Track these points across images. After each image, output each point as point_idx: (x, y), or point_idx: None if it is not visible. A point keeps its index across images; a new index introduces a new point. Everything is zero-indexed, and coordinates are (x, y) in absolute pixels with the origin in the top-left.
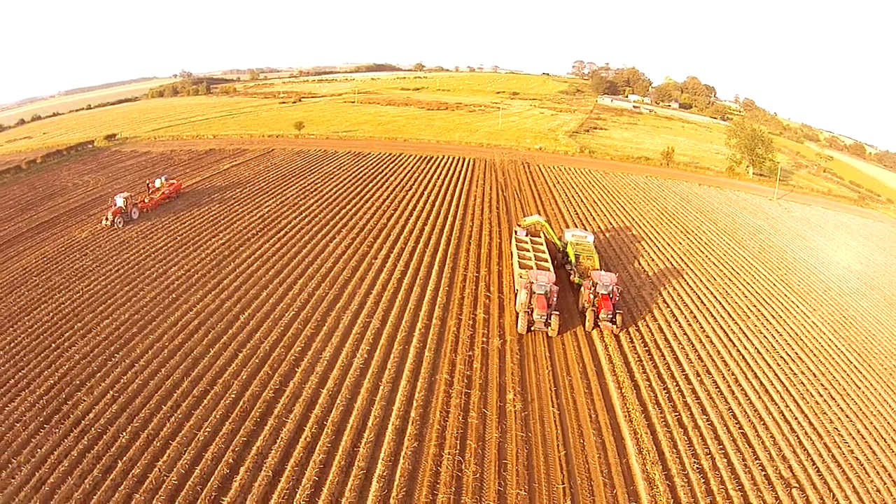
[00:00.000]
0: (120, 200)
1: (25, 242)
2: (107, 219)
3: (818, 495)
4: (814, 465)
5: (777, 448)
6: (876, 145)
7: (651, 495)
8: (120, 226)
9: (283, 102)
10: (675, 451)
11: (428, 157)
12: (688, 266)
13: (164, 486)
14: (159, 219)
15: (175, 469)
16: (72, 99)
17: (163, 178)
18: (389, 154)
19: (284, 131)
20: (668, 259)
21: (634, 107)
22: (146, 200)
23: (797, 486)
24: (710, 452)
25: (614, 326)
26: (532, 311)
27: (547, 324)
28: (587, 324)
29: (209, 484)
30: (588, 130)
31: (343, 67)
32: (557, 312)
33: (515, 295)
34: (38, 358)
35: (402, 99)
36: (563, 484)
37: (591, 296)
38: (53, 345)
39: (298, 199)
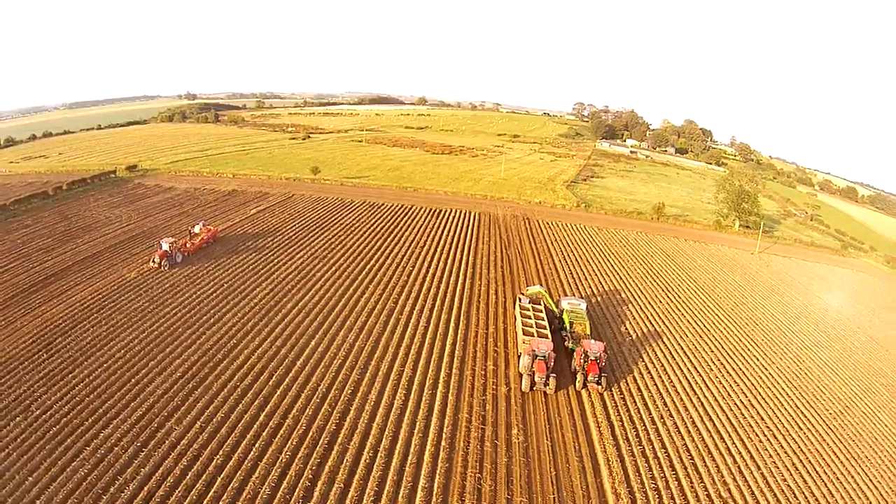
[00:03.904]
0: (165, 245)
1: (74, 276)
2: (154, 261)
3: None
4: (749, 488)
5: (720, 475)
6: (872, 184)
7: None
8: (166, 268)
9: (293, 138)
10: (637, 474)
11: (437, 210)
12: (665, 324)
13: (259, 495)
14: (202, 264)
15: (266, 482)
16: (78, 113)
17: (201, 224)
18: (402, 206)
19: (300, 174)
20: (648, 318)
21: (631, 152)
22: (188, 245)
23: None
24: (664, 476)
25: (600, 387)
26: (534, 374)
27: (546, 384)
28: (577, 384)
29: (296, 493)
30: (585, 179)
31: (345, 97)
32: (555, 374)
33: (519, 358)
34: (122, 391)
35: (407, 140)
36: (554, 495)
37: (582, 360)
38: (133, 380)
39: (326, 251)
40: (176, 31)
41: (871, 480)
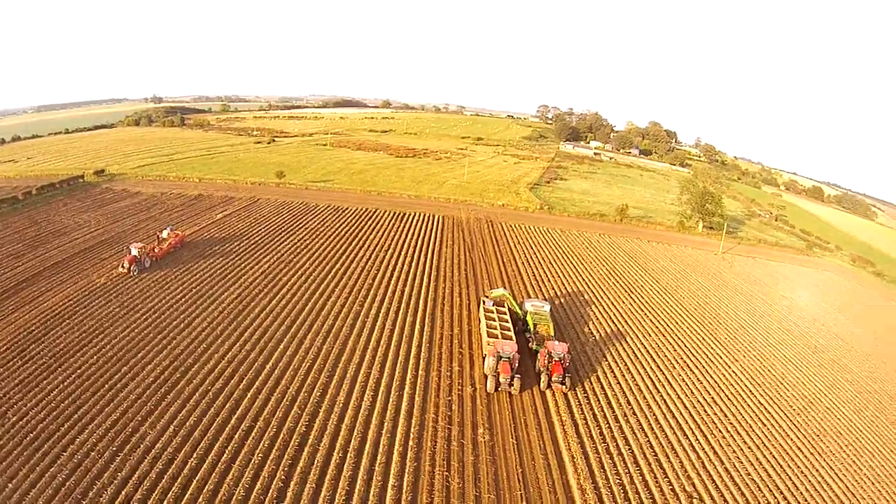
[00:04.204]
0: (135, 250)
1: (45, 282)
2: (123, 266)
3: None
4: (713, 482)
5: (684, 470)
6: (839, 184)
7: (583, 500)
8: (135, 274)
9: (258, 142)
10: (602, 470)
11: (401, 214)
12: (628, 324)
13: (234, 497)
14: (170, 269)
15: (240, 484)
16: (46, 117)
17: (168, 229)
18: (366, 209)
19: (265, 178)
20: (611, 319)
21: (595, 154)
22: (156, 250)
23: (697, 497)
24: (629, 472)
25: (564, 387)
26: (499, 375)
27: (511, 384)
28: (542, 384)
29: (269, 494)
30: (549, 181)
31: (310, 100)
32: (519, 375)
33: (484, 359)
34: (95, 397)
35: (371, 143)
36: (520, 491)
37: (546, 361)
38: (106, 385)
39: (292, 256)
40: (142, 34)
41: (835, 474)
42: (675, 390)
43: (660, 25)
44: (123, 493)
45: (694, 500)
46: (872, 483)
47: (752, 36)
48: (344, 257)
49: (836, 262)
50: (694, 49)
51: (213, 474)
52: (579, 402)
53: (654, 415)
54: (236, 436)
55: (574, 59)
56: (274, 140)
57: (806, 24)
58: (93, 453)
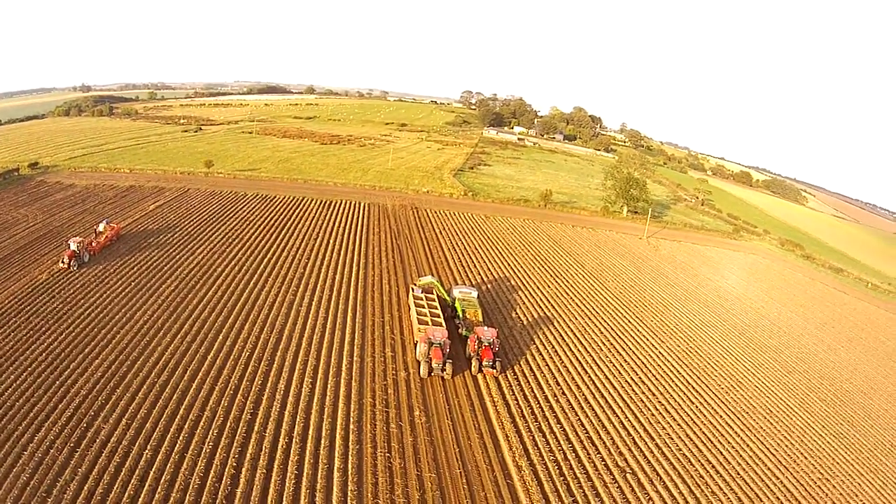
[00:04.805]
0: (74, 245)
1: None
2: (63, 262)
3: (648, 478)
4: (645, 457)
5: (615, 446)
6: (768, 168)
7: (520, 477)
8: (75, 268)
9: (186, 131)
10: (536, 448)
11: (328, 202)
12: (554, 308)
13: (190, 485)
14: (108, 262)
15: (195, 472)
16: None
17: (105, 222)
18: (293, 198)
19: (194, 168)
20: (538, 303)
21: (519, 139)
22: (93, 244)
23: (630, 471)
24: (562, 449)
25: (494, 371)
26: (431, 360)
27: (443, 370)
28: (473, 368)
29: (223, 481)
30: (472, 167)
31: (235, 87)
32: (451, 360)
33: (415, 346)
34: (48, 394)
35: (296, 130)
36: (459, 469)
37: (476, 346)
38: (57, 382)
39: (225, 246)
40: (69, 20)
41: (767, 449)
42: (602, 371)
43: (584, 9)
44: (86, 487)
45: (627, 474)
46: (805, 457)
47: (677, 20)
48: (275, 247)
49: (765, 246)
50: (619, 34)
51: (169, 464)
52: (510, 384)
53: (583, 395)
54: (186, 426)
55: (498, 45)
56: (201, 128)
57: (731, 7)
58: (52, 450)
